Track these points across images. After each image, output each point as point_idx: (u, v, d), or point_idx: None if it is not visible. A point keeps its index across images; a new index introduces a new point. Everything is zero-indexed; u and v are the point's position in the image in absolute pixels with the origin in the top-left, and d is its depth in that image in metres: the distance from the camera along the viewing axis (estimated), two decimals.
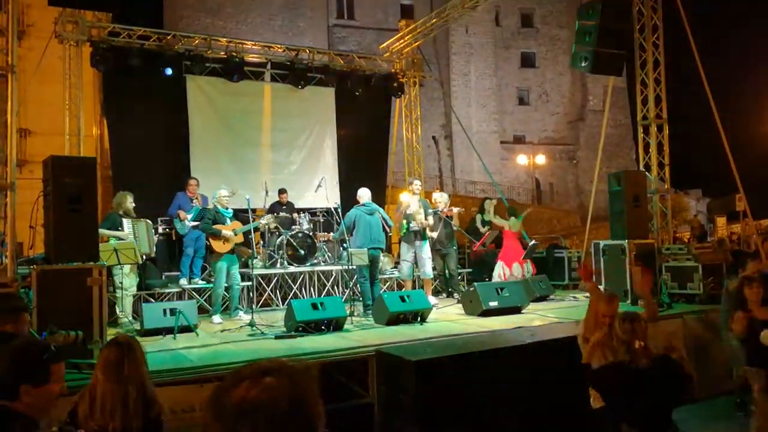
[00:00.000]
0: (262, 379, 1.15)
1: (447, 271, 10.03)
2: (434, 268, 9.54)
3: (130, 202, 8.17)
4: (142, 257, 7.99)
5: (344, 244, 9.30)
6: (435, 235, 9.38)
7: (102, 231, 7.74)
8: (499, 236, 10.31)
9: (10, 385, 2.23)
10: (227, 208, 8.42)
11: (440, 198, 9.88)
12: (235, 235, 8.19)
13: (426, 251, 9.07)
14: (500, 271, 9.82)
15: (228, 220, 8.31)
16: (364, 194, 8.88)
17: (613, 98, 11.83)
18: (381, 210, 8.91)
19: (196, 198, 9.47)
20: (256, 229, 8.80)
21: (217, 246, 8.15)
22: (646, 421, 3.40)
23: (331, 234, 10.11)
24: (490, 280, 9.81)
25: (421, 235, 9.03)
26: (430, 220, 9.08)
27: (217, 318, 8.09)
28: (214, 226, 8.12)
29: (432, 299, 9.03)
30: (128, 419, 2.77)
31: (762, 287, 4.78)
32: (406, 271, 9.16)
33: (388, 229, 8.96)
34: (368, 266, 8.49)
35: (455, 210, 9.82)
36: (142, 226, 8.11)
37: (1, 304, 3.76)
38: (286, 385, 1.15)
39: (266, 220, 8.91)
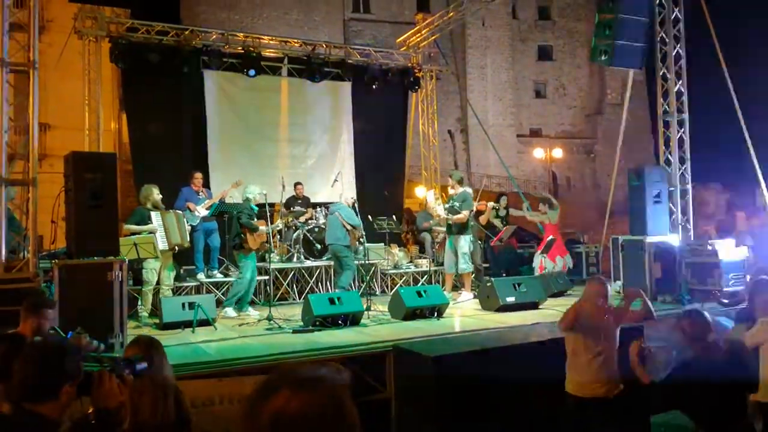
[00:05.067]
0: (301, 391, 1.13)
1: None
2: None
3: (156, 194, 8.14)
4: (173, 248, 8.02)
5: (361, 239, 9.33)
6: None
7: (128, 226, 7.86)
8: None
9: (53, 386, 2.20)
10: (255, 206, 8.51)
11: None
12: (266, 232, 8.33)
13: (462, 246, 9.01)
14: (540, 264, 10.00)
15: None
16: (342, 194, 9.34)
17: (631, 91, 11.68)
18: (341, 209, 9.01)
19: (202, 191, 9.50)
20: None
21: (252, 241, 8.21)
22: (720, 415, 3.35)
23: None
24: (507, 275, 9.79)
25: (458, 228, 9.01)
26: (460, 215, 9.02)
27: (250, 309, 8.20)
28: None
29: (465, 295, 9.03)
30: (160, 417, 2.79)
31: None
32: (446, 264, 9.34)
33: (347, 227, 8.97)
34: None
35: (490, 204, 9.96)
36: (171, 217, 8.08)
37: (24, 301, 3.80)
38: (326, 398, 1.14)
39: (281, 225, 9.28)
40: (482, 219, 9.94)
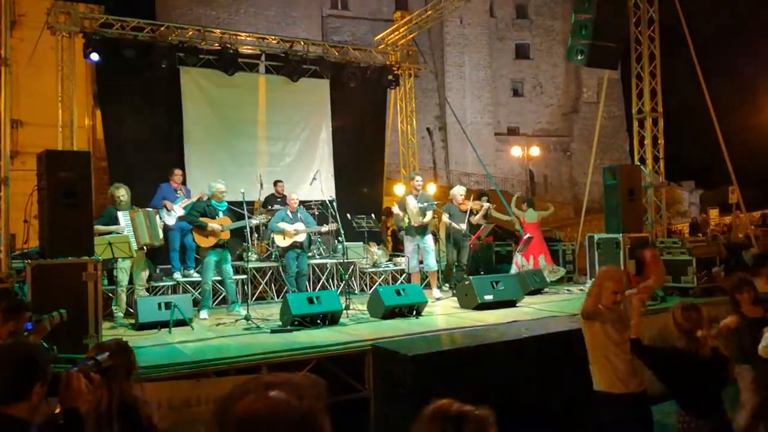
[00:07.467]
0: (267, 392, 1.14)
1: (459, 264, 10.11)
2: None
3: (121, 195, 7.94)
4: (142, 248, 7.89)
5: (339, 238, 9.30)
6: (463, 227, 9.69)
7: (96, 227, 7.63)
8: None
9: (25, 387, 2.22)
10: (221, 202, 8.25)
11: (459, 191, 10.00)
12: (222, 231, 7.98)
13: (428, 243, 9.11)
14: (518, 261, 10.13)
15: (220, 214, 8.13)
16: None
17: (607, 90, 11.85)
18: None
19: (180, 189, 9.37)
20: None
21: (200, 240, 7.98)
22: (704, 406, 3.55)
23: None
24: (484, 273, 9.84)
25: (422, 228, 9.06)
26: (430, 216, 9.09)
27: (203, 314, 7.92)
28: (201, 219, 7.94)
29: (437, 292, 9.09)
30: (99, 423, 2.71)
31: (753, 290, 4.80)
32: (410, 264, 9.31)
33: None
34: None
35: (486, 205, 10.04)
36: (140, 217, 7.90)
37: (2, 303, 3.76)
38: (293, 399, 1.14)
39: (258, 220, 8.77)
40: (475, 219, 9.98)
